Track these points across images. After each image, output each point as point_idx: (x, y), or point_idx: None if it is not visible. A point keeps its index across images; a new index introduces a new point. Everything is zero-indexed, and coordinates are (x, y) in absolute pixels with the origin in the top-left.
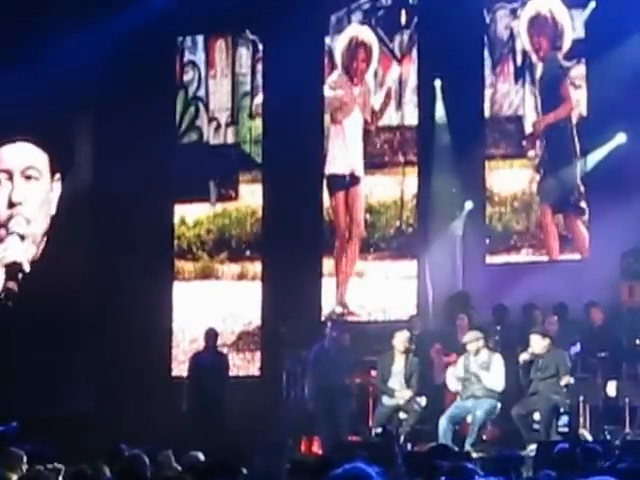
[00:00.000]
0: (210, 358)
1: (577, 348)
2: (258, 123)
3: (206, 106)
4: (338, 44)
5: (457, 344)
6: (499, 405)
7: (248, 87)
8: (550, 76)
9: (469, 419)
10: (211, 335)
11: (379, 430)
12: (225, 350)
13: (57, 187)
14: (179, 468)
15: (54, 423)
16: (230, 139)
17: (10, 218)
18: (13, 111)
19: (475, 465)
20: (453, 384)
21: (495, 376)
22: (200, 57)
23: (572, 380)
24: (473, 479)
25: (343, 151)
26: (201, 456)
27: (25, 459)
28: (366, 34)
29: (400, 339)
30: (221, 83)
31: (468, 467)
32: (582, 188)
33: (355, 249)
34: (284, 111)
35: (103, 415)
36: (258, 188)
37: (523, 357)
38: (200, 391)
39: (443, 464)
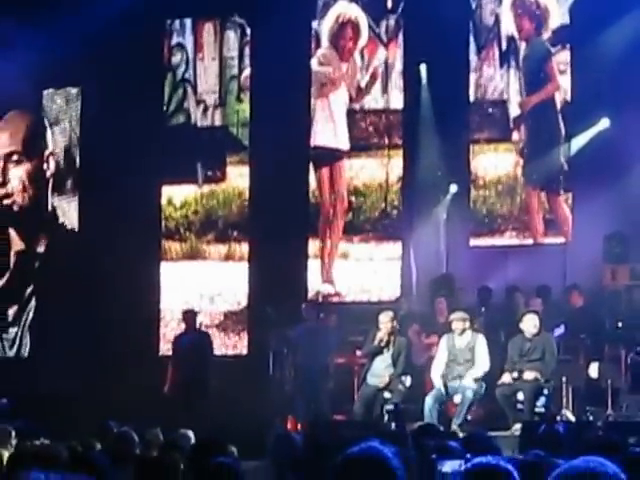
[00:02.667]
0: (192, 338)
1: (561, 330)
2: (245, 106)
3: (194, 88)
4: (325, 22)
5: (436, 326)
6: (484, 385)
7: (235, 70)
8: (535, 56)
9: (456, 399)
10: (190, 316)
11: (390, 407)
12: (212, 330)
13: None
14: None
15: (42, 401)
16: (217, 121)
17: None
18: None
19: (460, 444)
20: (437, 379)
21: (479, 362)
22: (188, 40)
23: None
24: (462, 458)
25: (328, 125)
26: (191, 434)
27: (14, 435)
28: (354, 11)
29: (384, 319)
30: (209, 66)
31: (455, 446)
32: (566, 172)
33: (339, 227)
34: (271, 94)
35: (91, 393)
36: (245, 170)
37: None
38: (184, 371)
39: (430, 443)
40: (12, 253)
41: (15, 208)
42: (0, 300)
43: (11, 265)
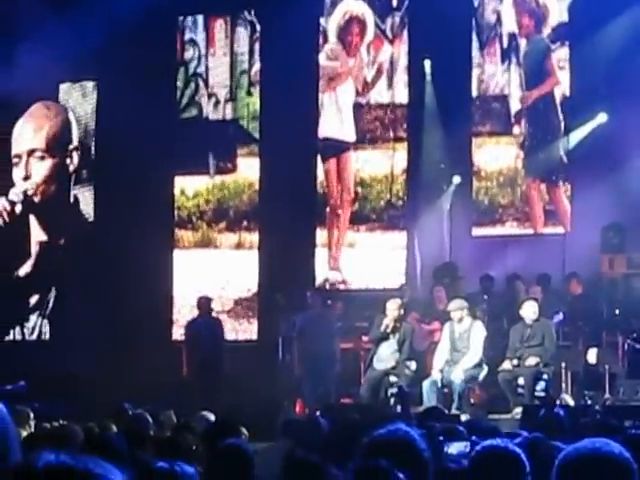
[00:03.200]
0: (205, 324)
1: (560, 317)
2: (255, 99)
3: (206, 83)
4: (333, 18)
5: (435, 313)
6: (486, 369)
7: (246, 65)
8: (535, 53)
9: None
10: (204, 303)
11: (394, 390)
12: (223, 316)
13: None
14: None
15: (59, 384)
16: (228, 114)
17: None
18: (23, 79)
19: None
20: (435, 367)
21: (471, 351)
22: (200, 36)
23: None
24: (466, 440)
25: (335, 117)
26: (211, 416)
27: (32, 417)
28: (360, 8)
29: (392, 307)
30: (220, 61)
31: (460, 429)
32: (565, 165)
33: (346, 217)
34: (280, 88)
35: (107, 377)
36: (255, 161)
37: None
38: (198, 356)
39: (436, 425)
40: (34, 243)
41: (36, 199)
42: (22, 289)
43: (33, 255)
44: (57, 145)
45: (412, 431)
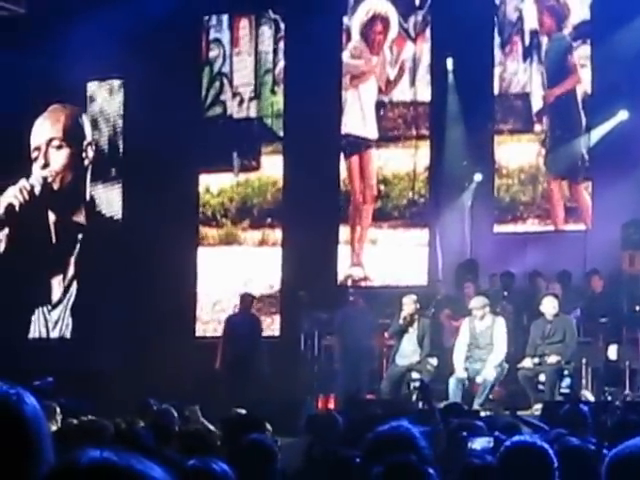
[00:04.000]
0: (243, 321)
1: (577, 313)
2: (279, 98)
3: (230, 81)
4: (356, 16)
5: (465, 309)
6: (506, 366)
7: (270, 64)
8: (557, 51)
9: (478, 380)
10: (247, 299)
11: (417, 384)
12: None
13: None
14: (206, 423)
15: (84, 379)
16: (253, 113)
17: None
18: (46, 78)
19: (485, 423)
20: (458, 363)
21: (497, 348)
22: (225, 35)
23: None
24: (487, 436)
25: (358, 115)
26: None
27: (59, 412)
28: (384, 7)
29: (407, 301)
30: (245, 60)
31: (479, 424)
32: (586, 162)
33: (369, 214)
34: (304, 87)
35: (131, 372)
36: (279, 159)
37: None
38: (231, 351)
39: (455, 421)
40: (52, 233)
41: (55, 187)
42: (43, 277)
43: (52, 239)
44: (73, 136)
45: (413, 428)
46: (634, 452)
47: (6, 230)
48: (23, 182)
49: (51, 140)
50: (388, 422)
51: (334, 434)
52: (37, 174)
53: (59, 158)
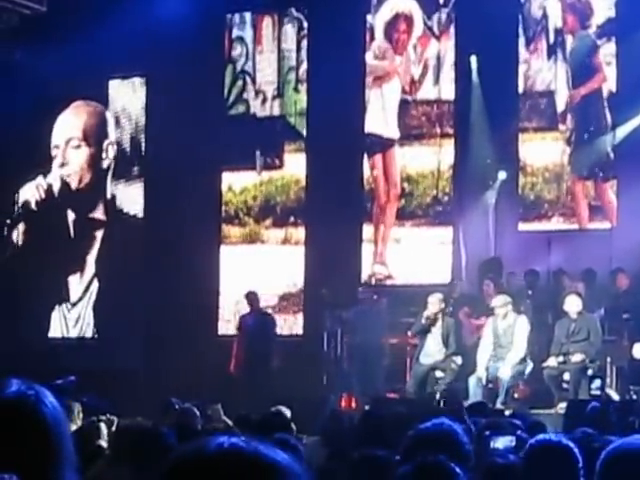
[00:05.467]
0: (256, 319)
1: (601, 312)
2: (302, 96)
3: (253, 80)
4: (380, 15)
5: (484, 308)
6: (530, 365)
7: (293, 62)
8: (582, 49)
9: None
10: (252, 297)
11: (442, 387)
12: (269, 311)
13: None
14: (228, 421)
15: (108, 378)
16: (276, 111)
17: None
18: (73, 76)
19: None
20: (480, 363)
21: (515, 347)
22: (248, 33)
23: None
24: (512, 434)
25: (380, 114)
26: (286, 411)
27: (81, 411)
28: (407, 5)
29: (432, 300)
30: (267, 58)
31: (505, 422)
32: (611, 160)
33: (392, 212)
34: (327, 85)
35: (152, 371)
36: (302, 158)
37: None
38: (246, 351)
39: (481, 420)
40: (71, 231)
41: (73, 186)
42: (60, 275)
43: (71, 237)
44: (94, 136)
45: (455, 425)
46: (628, 449)
47: (22, 227)
48: (40, 180)
49: (70, 140)
50: (412, 421)
51: (352, 433)
52: (56, 172)
53: (77, 158)
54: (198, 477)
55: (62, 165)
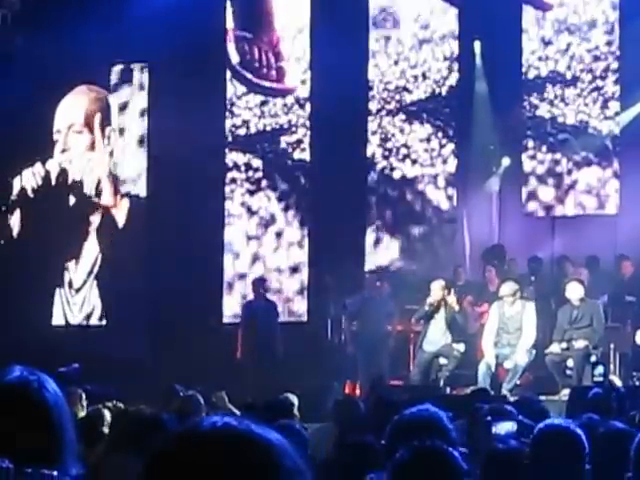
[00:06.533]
0: (260, 306)
1: (604, 299)
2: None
3: None
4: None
5: (487, 294)
6: (534, 352)
7: None
8: None
9: (506, 364)
10: (259, 284)
11: (447, 373)
12: (273, 297)
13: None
14: (232, 409)
15: (112, 365)
16: None
17: None
18: (76, 61)
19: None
20: (488, 347)
21: (527, 333)
22: None
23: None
24: (515, 420)
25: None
26: (294, 399)
27: (85, 398)
28: None
29: (435, 287)
30: None
31: (508, 409)
32: (615, 146)
33: None
34: (331, 96)
35: (157, 358)
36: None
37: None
38: (253, 338)
39: (484, 406)
40: (71, 216)
41: (74, 170)
42: (60, 261)
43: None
44: (95, 121)
45: (439, 411)
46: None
47: (18, 213)
48: (38, 166)
49: (72, 125)
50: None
51: (357, 420)
52: (57, 157)
53: (79, 143)
54: (191, 455)
55: (63, 150)
